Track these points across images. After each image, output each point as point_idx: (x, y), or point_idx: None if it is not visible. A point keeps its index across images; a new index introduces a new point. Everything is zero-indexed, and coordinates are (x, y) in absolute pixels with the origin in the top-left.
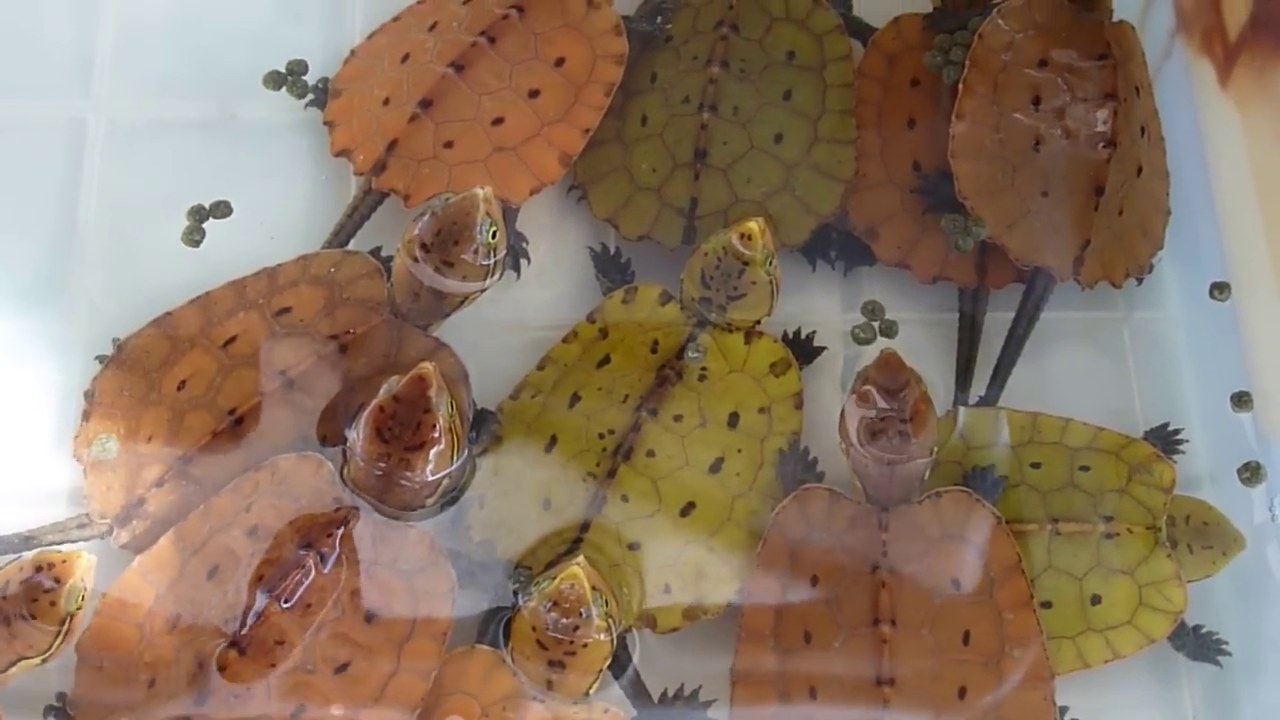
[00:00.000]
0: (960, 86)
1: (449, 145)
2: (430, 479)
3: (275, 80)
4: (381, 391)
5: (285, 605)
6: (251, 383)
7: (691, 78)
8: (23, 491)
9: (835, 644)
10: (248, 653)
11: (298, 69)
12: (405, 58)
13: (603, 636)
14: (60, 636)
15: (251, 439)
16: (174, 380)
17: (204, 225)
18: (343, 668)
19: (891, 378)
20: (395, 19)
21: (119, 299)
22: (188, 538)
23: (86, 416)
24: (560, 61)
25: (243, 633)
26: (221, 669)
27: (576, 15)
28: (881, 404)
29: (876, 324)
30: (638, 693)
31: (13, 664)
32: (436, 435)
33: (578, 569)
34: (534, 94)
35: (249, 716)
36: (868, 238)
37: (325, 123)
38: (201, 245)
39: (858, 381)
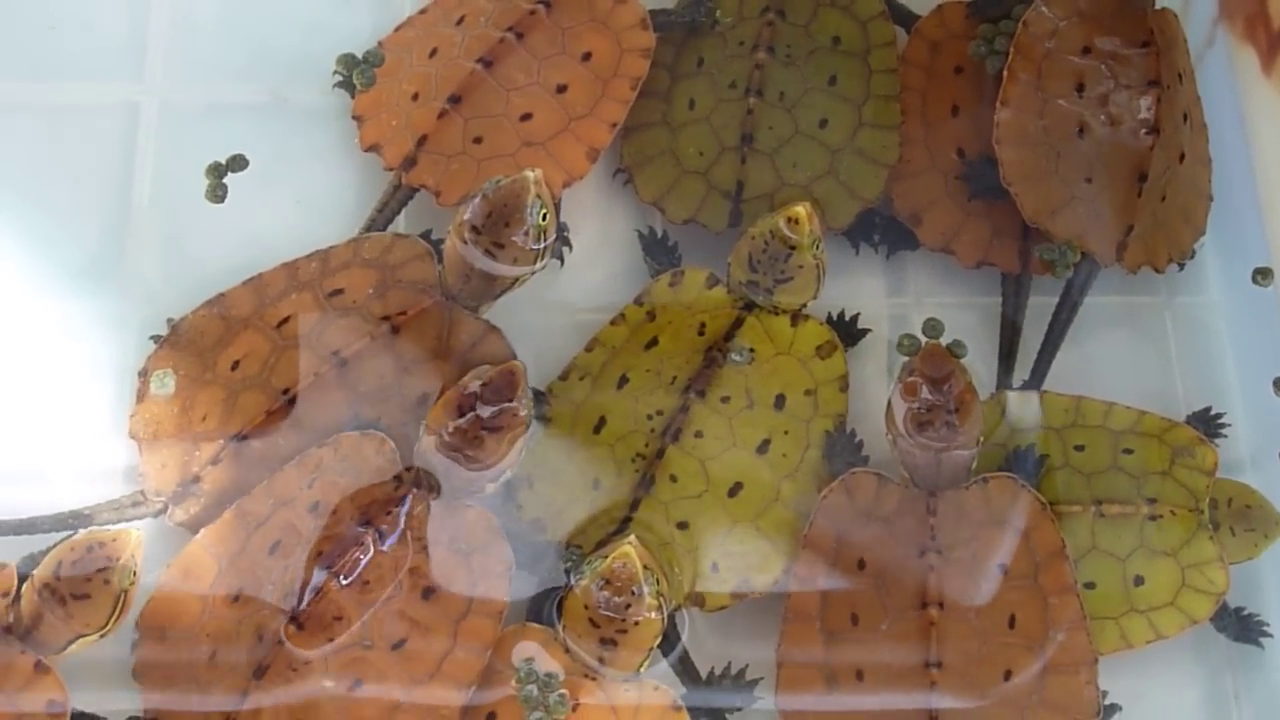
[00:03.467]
0: (1005, 73)
1: (478, 140)
2: (496, 466)
3: (347, 63)
4: (469, 376)
5: (344, 581)
6: (304, 363)
7: (738, 63)
8: (79, 470)
9: (883, 626)
10: (306, 628)
11: (373, 59)
12: (433, 52)
13: (654, 614)
14: (115, 613)
15: (305, 419)
16: (228, 360)
17: (224, 181)
18: (400, 644)
19: (937, 369)
20: (422, 11)
21: (172, 280)
22: (251, 512)
23: (141, 396)
24: (587, 56)
25: (302, 608)
26: (281, 643)
27: (603, 10)
28: (928, 395)
29: (923, 340)
30: (686, 671)
31: (71, 642)
32: (515, 425)
33: (629, 548)
34: (561, 89)
35: (306, 690)
36: (912, 223)
37: (354, 117)
38: (225, 200)
39: (904, 373)
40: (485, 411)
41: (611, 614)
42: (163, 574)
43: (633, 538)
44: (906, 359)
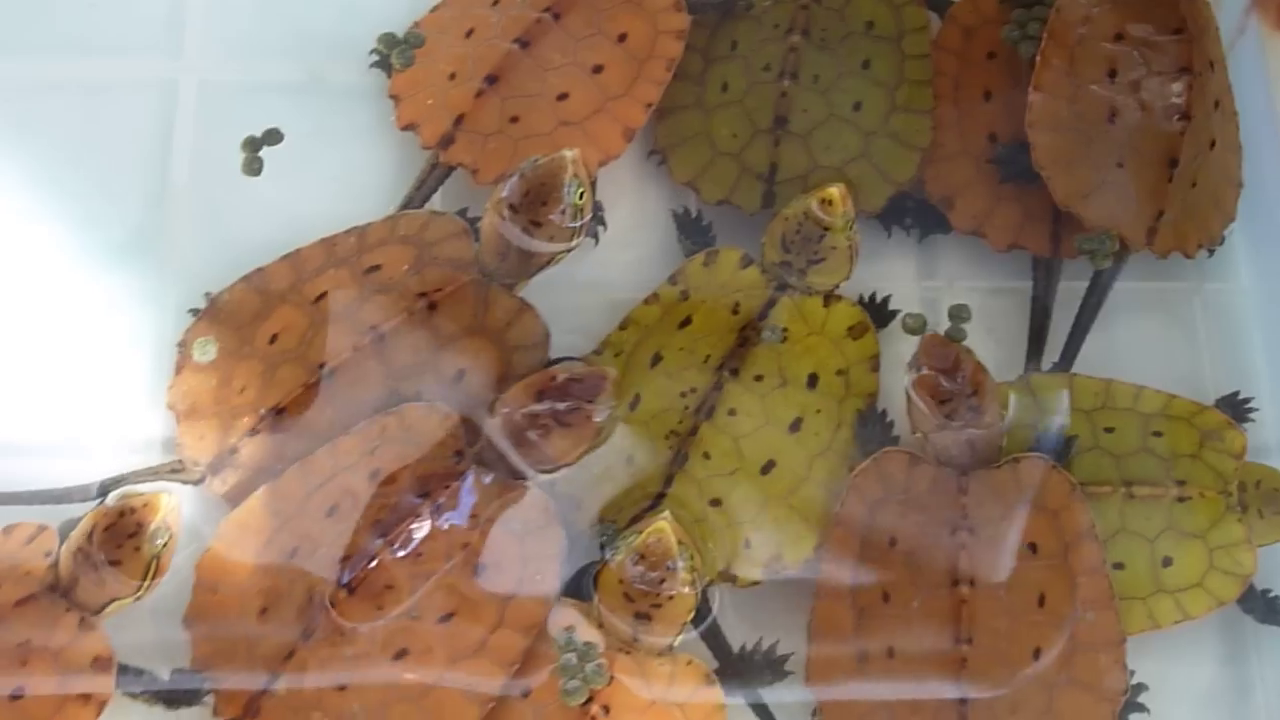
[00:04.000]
0: (1037, 59)
1: (515, 120)
2: (551, 461)
3: (388, 42)
4: (560, 368)
5: (397, 551)
6: (342, 337)
7: (772, 46)
8: (117, 442)
9: (914, 604)
10: (357, 594)
11: (414, 40)
12: (470, 33)
13: (687, 590)
14: (148, 578)
15: (341, 393)
16: (266, 334)
17: (259, 154)
18: (447, 618)
19: (943, 358)
20: None
21: (211, 256)
22: (312, 473)
23: (179, 368)
24: (623, 37)
25: (353, 574)
26: (330, 607)
27: None
28: (944, 384)
29: (956, 324)
30: (718, 646)
31: (105, 605)
32: (584, 428)
33: (664, 523)
34: (598, 69)
35: (352, 655)
36: (944, 207)
37: (391, 96)
38: (261, 174)
39: (913, 371)
40: (562, 404)
41: (646, 588)
42: (221, 526)
43: (667, 513)
44: (908, 361)
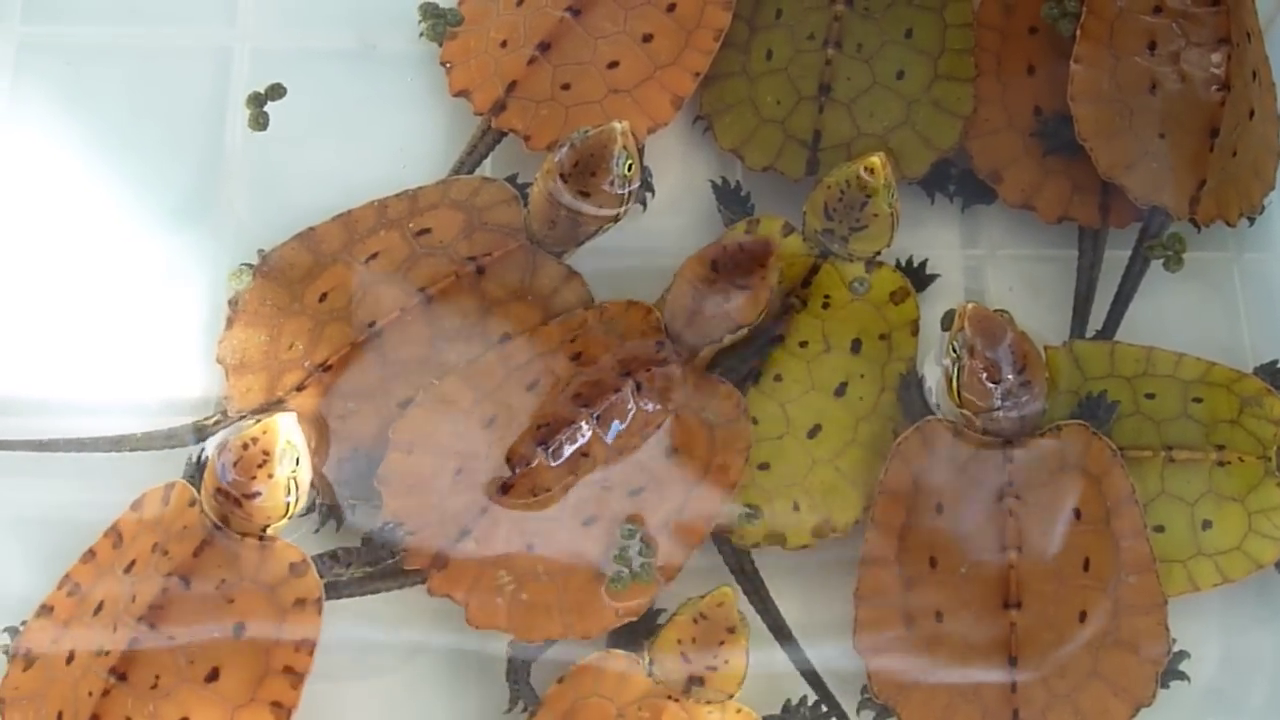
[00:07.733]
0: (1078, 32)
1: (566, 87)
2: (736, 319)
3: (426, 12)
4: (729, 237)
5: (597, 422)
6: (391, 298)
7: (816, 14)
8: (171, 399)
9: (961, 570)
10: (554, 458)
11: (452, 18)
12: (520, 1)
13: (743, 657)
14: (293, 498)
15: (389, 352)
16: (316, 292)
17: (264, 109)
18: (637, 490)
19: (991, 335)
20: None
21: (264, 219)
22: (511, 356)
23: (230, 324)
24: (671, 7)
25: (553, 439)
26: (528, 468)
27: None
28: (994, 367)
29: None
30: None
31: (264, 530)
32: (760, 287)
33: (728, 590)
34: (647, 38)
35: (541, 518)
36: (992, 181)
37: (442, 63)
38: (268, 128)
39: (962, 354)
40: (737, 269)
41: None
42: (420, 395)
43: (726, 589)
44: (952, 338)
